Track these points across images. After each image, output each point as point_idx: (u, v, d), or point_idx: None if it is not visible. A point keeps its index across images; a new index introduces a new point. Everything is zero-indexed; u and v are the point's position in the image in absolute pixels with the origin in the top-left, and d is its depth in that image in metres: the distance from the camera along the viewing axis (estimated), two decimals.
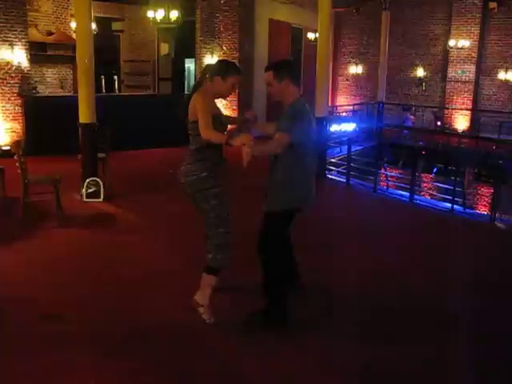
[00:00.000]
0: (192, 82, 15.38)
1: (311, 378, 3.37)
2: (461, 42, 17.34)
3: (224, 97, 4.00)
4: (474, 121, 17.57)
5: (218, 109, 3.95)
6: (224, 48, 14.40)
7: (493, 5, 16.60)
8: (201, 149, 3.73)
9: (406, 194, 9.08)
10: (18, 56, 10.73)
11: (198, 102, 3.67)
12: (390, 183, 11.93)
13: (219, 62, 4.17)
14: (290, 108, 3.77)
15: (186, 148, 3.84)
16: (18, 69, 10.82)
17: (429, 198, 10.81)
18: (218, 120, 3.77)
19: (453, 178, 10.11)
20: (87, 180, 7.54)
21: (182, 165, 3.81)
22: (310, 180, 3.92)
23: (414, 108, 18.46)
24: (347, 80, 21.14)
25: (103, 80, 12.85)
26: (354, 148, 12.08)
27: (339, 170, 11.33)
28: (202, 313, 3.88)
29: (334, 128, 14.91)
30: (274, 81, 3.75)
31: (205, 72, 3.93)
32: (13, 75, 10.76)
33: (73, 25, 12.75)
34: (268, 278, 3.89)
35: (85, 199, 7.51)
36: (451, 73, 17.96)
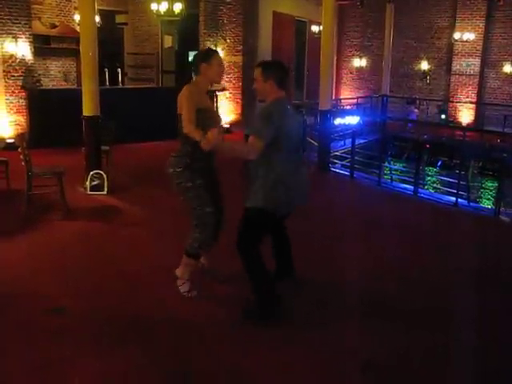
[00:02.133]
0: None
1: (309, 372, 3.37)
2: (466, 35, 17.23)
3: (217, 80, 4.13)
4: (478, 114, 17.49)
5: (209, 103, 4.22)
6: (228, 41, 14.36)
7: None
8: (184, 142, 3.94)
9: (410, 187, 9.06)
10: (21, 49, 10.72)
11: (184, 95, 3.87)
12: (393, 176, 11.91)
13: (198, 52, 4.41)
14: (264, 108, 3.80)
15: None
16: (22, 62, 10.80)
17: (433, 191, 10.78)
18: (208, 114, 3.97)
19: (457, 171, 10.08)
20: (91, 173, 7.55)
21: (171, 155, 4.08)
22: (292, 182, 3.82)
23: (418, 101, 18.38)
24: (351, 73, 21.06)
25: (107, 73, 12.83)
26: (358, 141, 12.04)
27: (343, 163, 11.31)
28: (179, 285, 4.22)
29: (338, 121, 14.87)
30: (260, 78, 3.79)
31: (193, 66, 4.08)
32: (17, 68, 10.75)
33: (76, 17, 12.71)
34: (249, 276, 3.88)
35: (88, 192, 7.52)
36: (456, 66, 17.86)
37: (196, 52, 4.32)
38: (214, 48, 4.05)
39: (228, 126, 13.76)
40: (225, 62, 14.08)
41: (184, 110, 3.80)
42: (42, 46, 12.61)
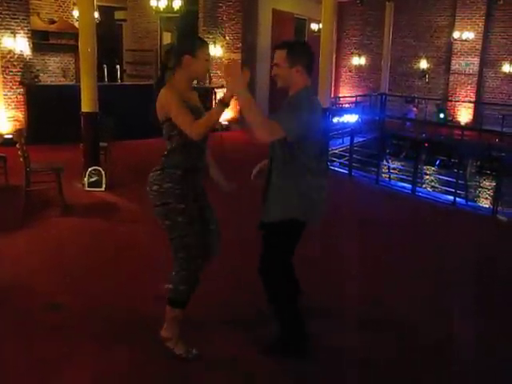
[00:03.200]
0: None
1: (309, 370, 3.38)
2: (465, 34, 17.23)
3: (202, 77, 3.43)
4: (477, 113, 17.51)
5: (195, 101, 3.30)
6: (227, 38, 14.34)
7: None
8: (172, 151, 3.17)
9: (408, 186, 9.07)
10: (20, 44, 10.69)
11: (167, 97, 3.08)
12: (392, 175, 11.91)
13: (181, 39, 3.43)
14: (293, 98, 3.15)
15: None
16: (21, 57, 10.78)
17: (431, 190, 10.80)
18: (197, 112, 3.13)
19: (455, 170, 10.09)
20: (89, 169, 7.55)
21: (152, 170, 3.24)
22: (317, 188, 3.26)
23: (416, 100, 18.39)
24: (350, 71, 21.05)
25: (105, 69, 12.81)
26: (357, 139, 12.04)
27: (341, 161, 11.31)
28: (172, 347, 3.35)
29: (337, 119, 14.88)
30: (284, 63, 3.12)
31: (168, 59, 3.27)
32: (15, 64, 10.72)
33: (75, 13, 12.69)
34: (276, 302, 3.41)
35: (87, 188, 7.51)
36: (455, 65, 17.86)
37: (179, 37, 3.28)
38: (196, 35, 3.34)
39: (227, 123, 13.75)
40: (224, 60, 14.14)
41: (175, 113, 3.04)
42: (41, 41, 12.59)
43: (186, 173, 3.17)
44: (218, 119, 3.08)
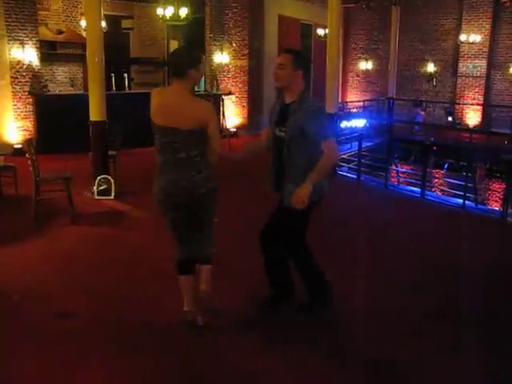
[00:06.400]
0: (202, 79, 15.34)
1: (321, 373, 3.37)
2: (472, 37, 17.16)
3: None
4: (485, 116, 17.42)
5: None
6: (233, 45, 14.39)
7: None
8: (201, 154, 3.55)
9: (417, 189, 9.03)
10: (28, 55, 10.80)
11: (211, 112, 3.51)
12: (400, 179, 11.88)
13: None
14: (319, 107, 3.72)
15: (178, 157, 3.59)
16: (29, 67, 10.89)
17: (440, 193, 10.74)
18: None
19: (464, 173, 10.04)
20: (98, 177, 7.59)
21: (185, 176, 3.55)
22: None
23: (424, 104, 18.34)
24: (357, 76, 21.05)
25: (113, 78, 12.88)
26: (365, 144, 12.01)
27: (350, 166, 11.29)
28: (213, 299, 3.92)
29: (345, 124, 14.85)
30: (289, 65, 3.59)
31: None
32: (24, 74, 10.83)
33: (83, 23, 12.77)
34: (307, 271, 4.01)
35: (96, 197, 7.55)
36: (462, 68, 17.80)
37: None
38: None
39: (235, 129, 13.78)
40: (231, 66, 14.20)
41: (215, 129, 3.50)
42: (49, 51, 12.70)
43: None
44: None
